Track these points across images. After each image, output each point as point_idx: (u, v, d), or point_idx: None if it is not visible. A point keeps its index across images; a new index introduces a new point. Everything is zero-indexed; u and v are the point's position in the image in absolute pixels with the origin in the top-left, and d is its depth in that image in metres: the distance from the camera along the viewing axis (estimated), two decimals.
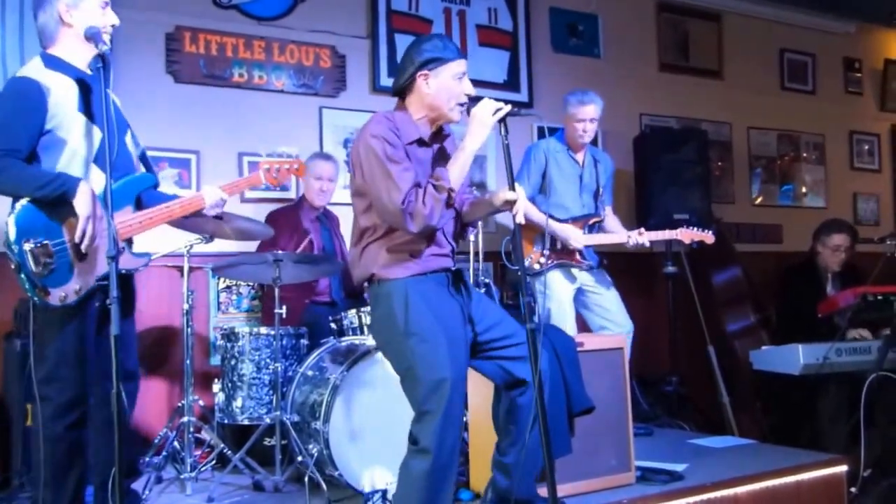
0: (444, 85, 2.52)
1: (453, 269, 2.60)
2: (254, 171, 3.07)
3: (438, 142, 2.65)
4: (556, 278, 4.10)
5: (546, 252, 4.10)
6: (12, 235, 2.43)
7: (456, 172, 2.45)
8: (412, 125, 2.56)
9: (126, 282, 2.72)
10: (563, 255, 4.10)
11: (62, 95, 2.54)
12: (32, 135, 2.49)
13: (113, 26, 2.66)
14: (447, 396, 2.36)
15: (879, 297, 4.04)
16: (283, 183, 3.16)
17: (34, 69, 2.54)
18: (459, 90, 2.53)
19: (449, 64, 2.51)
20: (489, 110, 2.43)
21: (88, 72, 2.64)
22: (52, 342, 2.55)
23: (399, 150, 2.45)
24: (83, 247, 2.49)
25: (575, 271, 4.13)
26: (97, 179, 2.58)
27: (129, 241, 2.71)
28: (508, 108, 2.44)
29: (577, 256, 4.09)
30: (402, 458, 2.45)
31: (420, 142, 2.56)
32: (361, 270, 2.57)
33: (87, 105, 2.59)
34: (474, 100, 2.51)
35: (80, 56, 2.62)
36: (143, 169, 2.89)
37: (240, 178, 2.99)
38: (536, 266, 4.10)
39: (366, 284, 2.59)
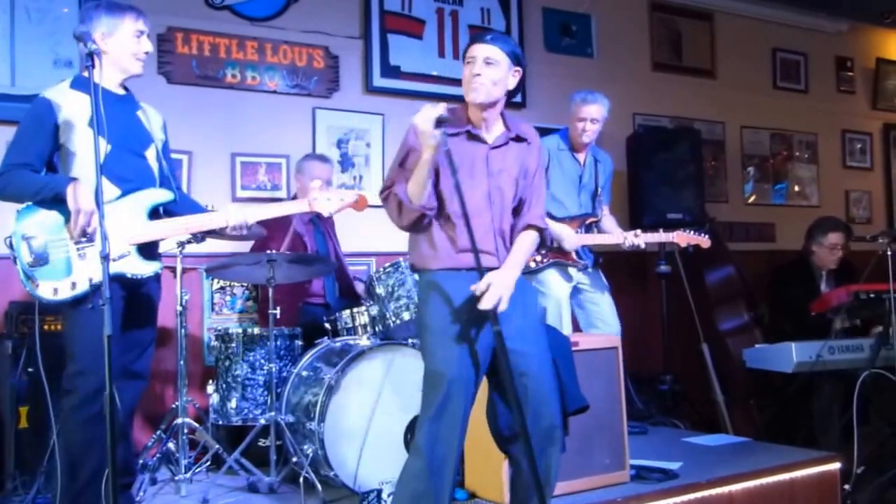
0: (466, 76, 2.53)
1: (484, 268, 2.44)
2: (304, 200, 2.98)
3: (503, 141, 2.57)
4: (552, 277, 4.10)
5: (542, 251, 4.10)
6: (12, 229, 2.65)
7: (412, 185, 2.43)
8: (465, 118, 2.56)
9: (140, 287, 2.81)
10: (558, 254, 4.10)
11: (75, 112, 2.70)
12: (43, 149, 2.70)
13: (146, 53, 2.84)
14: (443, 394, 2.34)
15: (872, 295, 4.06)
16: (333, 213, 3.01)
17: (56, 89, 2.74)
18: (466, 74, 2.53)
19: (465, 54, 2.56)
20: (420, 117, 2.37)
21: (121, 91, 2.85)
22: (82, 337, 2.64)
23: (415, 148, 2.44)
24: (75, 236, 2.62)
25: (571, 270, 4.13)
26: (106, 189, 2.65)
27: (142, 249, 2.76)
28: (438, 111, 2.36)
29: (573, 256, 4.10)
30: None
31: (469, 135, 2.53)
32: (410, 259, 2.63)
33: (104, 120, 2.65)
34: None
35: (112, 79, 2.80)
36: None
37: (281, 203, 2.98)
38: (532, 264, 4.10)
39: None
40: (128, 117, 2.84)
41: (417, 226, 2.50)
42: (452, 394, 2.35)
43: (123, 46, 2.78)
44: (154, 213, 2.80)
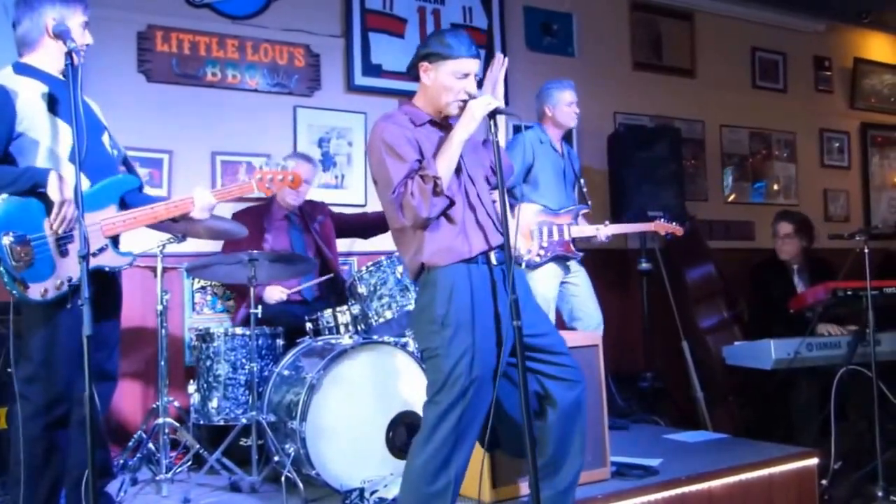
0: (441, 80, 2.53)
1: (495, 246, 2.52)
2: (246, 180, 3.03)
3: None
4: (549, 272, 4.09)
5: (545, 245, 4.07)
6: None
7: (443, 162, 2.43)
8: (423, 111, 2.60)
9: (111, 281, 2.76)
10: (559, 246, 4.09)
11: (31, 98, 2.59)
12: (4, 138, 2.55)
13: (87, 45, 2.72)
14: (457, 393, 2.34)
15: (849, 293, 4.10)
16: (275, 193, 3.06)
17: (3, 76, 2.62)
18: (458, 87, 2.52)
19: (449, 61, 2.52)
20: (482, 104, 2.46)
21: (62, 77, 2.70)
22: (36, 341, 2.57)
23: (400, 140, 2.46)
24: (60, 230, 2.53)
25: (570, 263, 4.14)
26: (74, 179, 2.58)
27: (114, 240, 2.73)
28: (499, 103, 2.46)
29: (572, 247, 4.10)
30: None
31: (433, 123, 2.59)
32: (410, 261, 2.53)
33: (60, 107, 2.63)
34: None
35: (55, 63, 2.68)
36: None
37: (232, 186, 2.96)
38: (537, 259, 4.06)
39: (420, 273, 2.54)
40: (75, 99, 2.68)
41: (435, 218, 2.45)
42: (464, 393, 2.35)
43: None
44: (122, 203, 2.74)
